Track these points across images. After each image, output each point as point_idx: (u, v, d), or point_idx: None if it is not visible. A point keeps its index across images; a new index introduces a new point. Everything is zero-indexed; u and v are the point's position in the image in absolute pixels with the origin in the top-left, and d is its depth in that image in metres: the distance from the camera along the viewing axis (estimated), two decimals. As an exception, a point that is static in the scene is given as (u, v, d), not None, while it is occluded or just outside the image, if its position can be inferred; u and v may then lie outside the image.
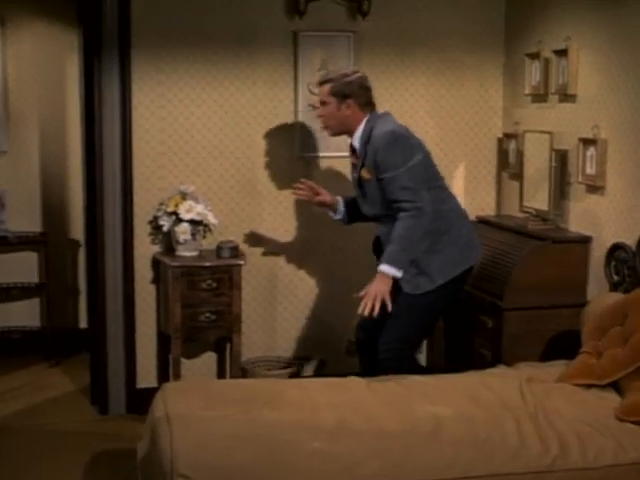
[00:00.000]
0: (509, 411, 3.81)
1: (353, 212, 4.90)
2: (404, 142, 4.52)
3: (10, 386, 6.11)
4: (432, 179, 4.60)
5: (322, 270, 5.73)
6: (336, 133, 4.76)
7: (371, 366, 4.75)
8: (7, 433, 5.27)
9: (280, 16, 5.51)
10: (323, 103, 4.66)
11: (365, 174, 4.60)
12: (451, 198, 4.75)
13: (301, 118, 5.59)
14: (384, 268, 4.42)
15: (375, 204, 4.64)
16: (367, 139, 4.58)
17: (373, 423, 3.69)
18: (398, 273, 4.43)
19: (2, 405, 5.73)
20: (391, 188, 4.45)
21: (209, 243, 5.45)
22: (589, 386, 4.11)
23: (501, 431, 3.63)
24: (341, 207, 4.92)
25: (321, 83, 4.68)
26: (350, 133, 4.69)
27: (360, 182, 4.67)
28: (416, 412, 3.80)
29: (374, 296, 4.37)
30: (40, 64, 6.81)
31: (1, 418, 5.51)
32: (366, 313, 4.38)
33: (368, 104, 4.66)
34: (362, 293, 4.41)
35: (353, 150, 4.72)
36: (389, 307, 4.39)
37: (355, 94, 4.61)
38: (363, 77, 4.69)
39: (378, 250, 4.71)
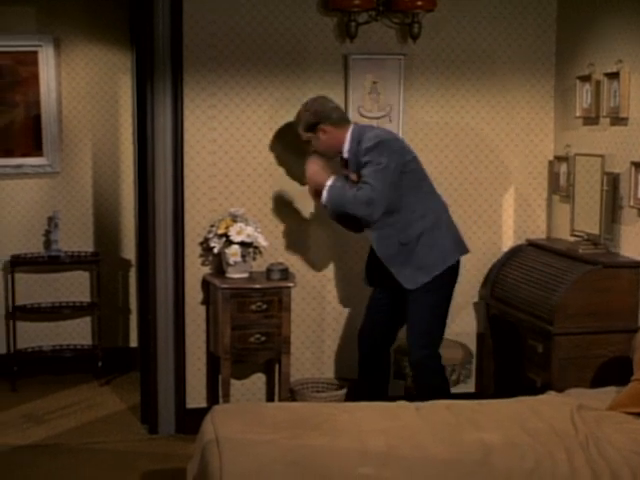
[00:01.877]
0: (559, 439, 3.78)
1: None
2: (385, 145, 4.82)
3: (61, 404, 6.18)
4: (418, 180, 4.93)
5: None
6: (332, 156, 5.07)
7: (376, 378, 5.23)
8: (58, 451, 5.33)
9: (331, 39, 5.54)
10: (308, 142, 5.08)
11: (353, 178, 4.91)
12: (438, 196, 5.05)
13: (351, 141, 5.59)
14: (329, 184, 4.87)
15: None
16: (356, 148, 4.89)
17: (422, 450, 3.68)
18: (323, 200, 4.90)
19: (53, 423, 5.80)
20: (364, 172, 4.79)
21: (259, 265, 5.47)
22: (641, 415, 4.07)
23: (551, 460, 3.60)
24: None
25: (298, 130, 5.10)
26: (340, 150, 4.99)
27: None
28: (465, 439, 3.78)
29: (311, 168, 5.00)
30: (93, 86, 6.90)
31: (52, 436, 5.57)
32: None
33: (341, 119, 5.03)
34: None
35: (345, 163, 5.03)
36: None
37: (322, 118, 4.98)
38: (319, 99, 5.10)
39: (372, 257, 5.06)
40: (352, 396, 5.39)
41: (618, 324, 4.92)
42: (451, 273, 4.98)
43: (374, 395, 4.97)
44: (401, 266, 4.92)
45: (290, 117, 5.52)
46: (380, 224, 4.89)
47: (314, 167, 4.99)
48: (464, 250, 5.09)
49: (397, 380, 5.43)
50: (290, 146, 5.55)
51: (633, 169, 4.96)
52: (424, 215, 4.90)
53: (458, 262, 5.03)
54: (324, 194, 4.89)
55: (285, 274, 5.37)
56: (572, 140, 5.62)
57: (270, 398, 5.73)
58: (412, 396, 4.93)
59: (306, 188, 5.47)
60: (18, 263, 6.66)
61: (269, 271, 5.36)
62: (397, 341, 5.34)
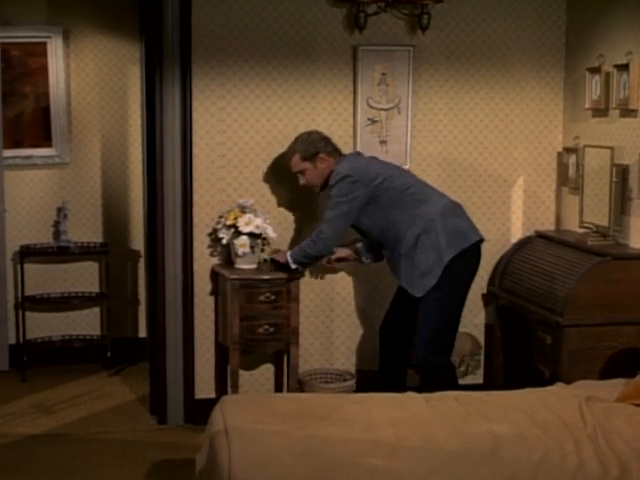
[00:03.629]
0: (568, 431, 3.78)
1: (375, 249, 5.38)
2: (345, 181, 5.03)
3: (70, 394, 6.20)
4: (397, 194, 5.03)
5: (379, 283, 5.74)
6: (320, 188, 5.25)
7: (395, 371, 5.35)
8: (67, 441, 5.35)
9: (340, 30, 5.54)
10: (302, 172, 5.20)
11: None
12: (429, 200, 5.05)
13: (360, 132, 5.60)
14: (288, 255, 5.25)
15: (361, 227, 5.17)
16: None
17: (431, 440, 3.69)
18: (293, 265, 5.24)
19: (62, 413, 5.82)
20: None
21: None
22: (650, 406, 4.06)
23: (560, 452, 3.61)
24: (364, 251, 5.40)
25: (290, 157, 5.23)
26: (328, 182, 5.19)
27: None
28: (474, 430, 3.78)
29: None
30: (102, 77, 6.91)
31: (61, 426, 5.59)
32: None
33: (334, 150, 5.21)
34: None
35: None
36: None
37: (320, 147, 5.15)
38: (317, 131, 5.29)
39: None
40: (362, 387, 5.40)
41: (627, 316, 4.92)
42: (457, 270, 4.95)
43: (393, 386, 4.98)
44: (408, 276, 4.99)
45: (299, 109, 5.54)
46: (376, 240, 5.15)
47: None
48: (467, 241, 5.00)
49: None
50: (299, 137, 5.56)
51: (642, 161, 4.96)
52: (412, 223, 4.96)
53: (458, 254, 4.96)
54: (289, 261, 5.22)
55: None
56: (581, 132, 5.61)
57: (279, 389, 5.75)
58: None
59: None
60: (27, 254, 6.68)
61: (274, 261, 5.36)
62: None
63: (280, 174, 5.57)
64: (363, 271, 5.68)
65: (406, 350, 5.31)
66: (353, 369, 5.80)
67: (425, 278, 4.94)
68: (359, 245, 5.38)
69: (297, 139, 5.24)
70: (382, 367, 5.36)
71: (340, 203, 5.03)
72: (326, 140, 5.21)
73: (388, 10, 5.52)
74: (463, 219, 5.08)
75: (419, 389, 4.56)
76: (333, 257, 5.39)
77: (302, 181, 5.23)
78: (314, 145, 5.15)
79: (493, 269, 5.85)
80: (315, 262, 5.33)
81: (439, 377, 4.99)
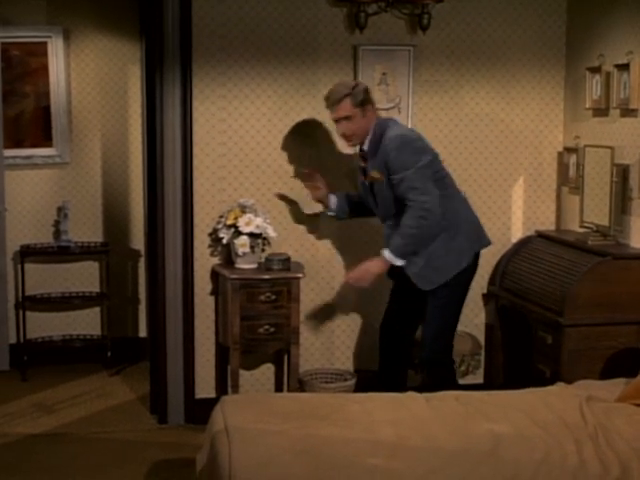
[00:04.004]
0: (569, 431, 3.78)
1: (354, 208, 5.25)
2: (412, 145, 4.78)
3: (71, 394, 6.20)
4: (439, 179, 4.83)
5: (379, 283, 5.72)
6: (359, 142, 4.95)
7: (396, 371, 5.23)
8: (67, 440, 5.35)
9: (341, 30, 5.54)
10: (347, 118, 4.85)
11: (376, 175, 4.84)
12: (457, 195, 4.97)
13: (360, 132, 5.59)
14: (387, 255, 4.78)
15: (387, 204, 4.88)
16: (378, 142, 4.82)
17: (432, 440, 3.69)
18: (399, 262, 4.80)
19: (63, 413, 5.82)
20: (401, 188, 4.72)
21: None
22: (650, 406, 4.06)
23: (560, 451, 3.61)
24: (332, 205, 5.26)
25: (339, 101, 4.84)
26: (364, 139, 4.92)
27: (371, 184, 4.90)
28: (474, 430, 3.78)
29: (364, 270, 4.83)
30: (103, 77, 6.92)
31: (62, 426, 5.59)
32: (350, 281, 4.92)
33: (375, 109, 4.97)
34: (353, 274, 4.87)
35: (363, 155, 4.95)
36: (365, 284, 4.88)
37: (369, 99, 4.89)
38: (364, 84, 5.00)
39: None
40: (362, 386, 5.40)
41: (628, 316, 4.92)
42: (467, 271, 4.93)
43: (393, 386, 4.93)
44: (417, 267, 4.85)
45: (300, 108, 5.53)
46: (396, 222, 4.82)
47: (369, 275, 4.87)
48: (481, 245, 5.02)
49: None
50: (300, 136, 5.56)
51: (643, 160, 4.97)
52: (443, 215, 4.75)
53: (477, 257, 4.97)
54: (399, 262, 4.79)
55: (287, 264, 5.37)
56: (582, 131, 5.61)
57: (279, 389, 5.75)
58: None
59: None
60: (28, 253, 6.68)
61: (268, 261, 5.36)
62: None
63: (280, 174, 5.57)
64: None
65: (407, 349, 5.28)
66: (353, 369, 5.80)
67: (437, 274, 4.83)
68: (331, 195, 5.27)
69: (340, 85, 4.91)
70: (382, 367, 5.31)
71: (420, 169, 4.69)
72: (371, 96, 4.94)
73: (388, 10, 5.53)
74: (477, 220, 5.05)
75: (422, 388, 4.55)
76: (316, 195, 5.31)
77: (342, 130, 4.88)
78: (365, 93, 4.86)
79: (493, 269, 5.85)
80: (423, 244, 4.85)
81: (444, 375, 5.00)
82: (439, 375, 4.99)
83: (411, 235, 4.71)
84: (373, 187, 4.91)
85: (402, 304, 5.17)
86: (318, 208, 5.49)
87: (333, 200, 5.28)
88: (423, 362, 5.09)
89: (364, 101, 4.85)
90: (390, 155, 4.73)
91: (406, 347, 5.27)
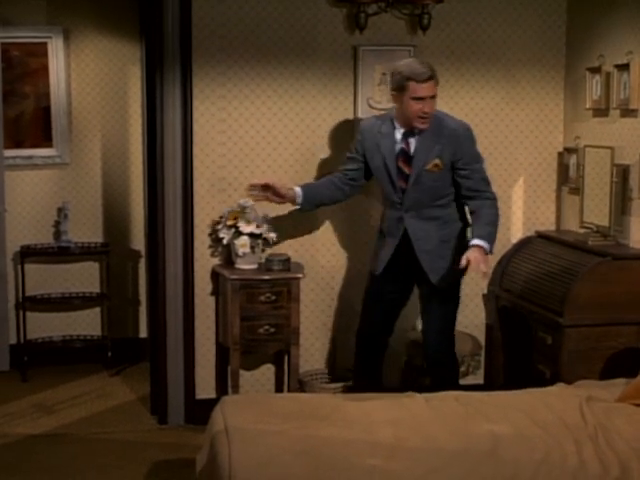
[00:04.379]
0: (569, 431, 3.78)
1: (315, 200, 5.12)
2: (473, 133, 4.90)
3: (71, 394, 6.20)
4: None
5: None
6: (429, 125, 4.79)
7: (373, 362, 5.16)
8: (67, 441, 5.35)
9: (340, 30, 5.54)
10: (433, 97, 4.74)
11: (439, 163, 4.77)
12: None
13: (360, 132, 5.60)
14: (480, 242, 4.67)
15: (429, 193, 4.82)
16: (436, 129, 4.75)
17: (431, 441, 3.69)
18: (489, 248, 4.71)
19: (63, 413, 5.82)
20: (475, 179, 4.80)
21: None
22: (650, 406, 4.06)
23: (560, 452, 3.61)
24: (299, 199, 5.08)
25: (431, 77, 4.69)
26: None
27: (418, 172, 4.78)
28: (474, 430, 3.78)
29: (480, 259, 4.59)
30: (103, 77, 6.92)
31: (62, 426, 5.59)
32: (484, 269, 4.62)
33: None
34: (463, 263, 4.59)
35: (405, 136, 4.82)
36: (486, 271, 4.70)
37: None
38: None
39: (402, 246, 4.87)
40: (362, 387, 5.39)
41: (628, 316, 4.91)
42: (466, 269, 4.84)
43: (373, 387, 4.91)
44: (434, 263, 4.83)
45: (299, 109, 5.53)
46: (422, 214, 4.83)
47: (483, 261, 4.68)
48: None
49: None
50: (300, 137, 5.56)
51: (643, 161, 4.97)
52: (462, 214, 4.88)
53: None
54: (489, 248, 4.73)
55: (287, 265, 5.37)
56: (582, 132, 5.61)
57: (279, 389, 5.75)
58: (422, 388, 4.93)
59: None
60: (28, 254, 6.68)
61: (268, 261, 5.36)
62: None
63: (280, 174, 5.57)
64: (363, 272, 5.67)
65: (384, 352, 5.22)
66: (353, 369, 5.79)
67: (449, 272, 4.81)
68: (297, 188, 5.10)
69: (426, 64, 4.74)
70: (362, 372, 5.22)
71: (481, 157, 4.89)
72: None
73: (388, 10, 5.52)
74: None
75: (428, 390, 4.54)
76: (273, 198, 5.12)
77: (428, 108, 4.69)
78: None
79: (493, 269, 5.84)
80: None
81: (448, 375, 4.99)
82: (444, 376, 4.98)
83: (494, 223, 4.79)
84: (421, 175, 4.79)
85: (390, 306, 5.08)
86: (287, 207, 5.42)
87: (299, 193, 5.09)
88: (430, 364, 5.06)
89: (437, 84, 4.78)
90: (464, 145, 4.78)
91: (384, 351, 5.23)
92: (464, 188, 4.81)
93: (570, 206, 5.75)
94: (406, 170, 4.82)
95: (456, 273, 4.79)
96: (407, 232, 4.86)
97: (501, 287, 5.68)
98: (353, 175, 5.04)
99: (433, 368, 5.06)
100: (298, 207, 5.15)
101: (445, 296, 4.92)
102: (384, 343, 5.19)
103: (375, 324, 5.12)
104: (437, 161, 4.77)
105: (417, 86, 4.65)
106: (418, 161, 4.79)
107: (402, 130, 4.82)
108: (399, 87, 4.70)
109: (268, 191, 5.11)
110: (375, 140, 4.89)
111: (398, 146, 4.84)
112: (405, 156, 4.83)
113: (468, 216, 4.90)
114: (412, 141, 4.81)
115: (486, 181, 4.84)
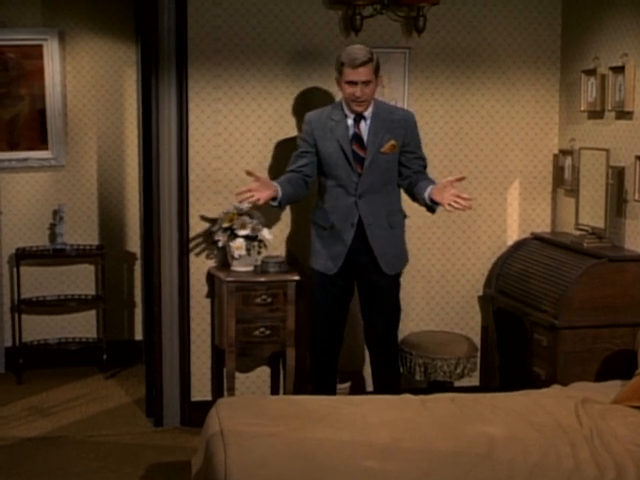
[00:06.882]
0: (564, 433, 3.79)
1: (291, 198, 5.01)
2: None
3: (66, 397, 6.20)
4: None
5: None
6: (365, 109, 4.90)
7: (333, 364, 5.19)
8: (63, 444, 5.34)
9: (336, 33, 5.55)
10: (366, 83, 4.82)
11: (395, 144, 4.90)
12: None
13: (356, 134, 5.60)
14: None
15: (384, 176, 4.94)
16: (387, 113, 4.94)
17: (426, 443, 3.69)
18: None
19: (58, 416, 5.81)
20: (420, 164, 5.00)
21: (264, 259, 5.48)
22: (645, 408, 4.07)
23: (556, 454, 3.61)
24: (279, 195, 4.89)
25: (364, 64, 4.78)
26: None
27: (373, 155, 4.88)
28: (470, 432, 3.78)
29: (455, 193, 4.64)
30: (98, 79, 6.91)
31: (57, 429, 5.59)
32: (466, 196, 4.67)
33: None
34: (450, 198, 4.64)
35: (358, 126, 4.91)
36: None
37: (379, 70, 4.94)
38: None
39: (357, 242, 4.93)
40: (358, 389, 5.40)
41: (623, 318, 4.92)
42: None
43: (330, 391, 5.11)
44: (385, 250, 4.95)
45: (295, 111, 5.53)
46: (374, 200, 4.92)
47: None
48: None
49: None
50: (295, 139, 5.55)
51: (638, 163, 4.96)
52: (400, 201, 5.07)
53: None
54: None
55: (283, 267, 5.37)
56: (577, 134, 5.62)
57: (275, 391, 5.75)
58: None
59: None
60: (23, 256, 6.68)
61: (264, 264, 5.37)
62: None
63: (276, 176, 5.56)
64: (359, 273, 5.68)
65: (340, 347, 5.22)
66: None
67: (397, 260, 5.03)
68: (276, 184, 4.91)
69: (361, 49, 4.82)
70: (321, 378, 5.18)
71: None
72: None
73: (384, 12, 5.53)
74: None
75: (393, 376, 4.88)
76: (262, 199, 4.86)
77: (359, 93, 4.78)
78: (378, 64, 4.89)
79: (489, 271, 5.85)
80: None
81: (397, 362, 5.24)
82: (391, 357, 5.14)
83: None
84: (376, 158, 4.88)
85: (341, 303, 5.09)
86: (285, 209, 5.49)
87: (279, 190, 4.89)
88: (387, 350, 5.12)
89: (377, 71, 4.87)
90: (414, 130, 5.00)
91: (340, 347, 5.23)
92: (411, 171, 4.95)
93: (565, 208, 5.76)
94: (361, 153, 4.90)
95: (403, 261, 5.08)
96: (361, 220, 4.90)
97: (496, 289, 5.69)
98: (307, 171, 5.01)
99: (391, 354, 5.15)
100: (275, 204, 4.94)
101: (394, 286, 5.05)
102: (341, 339, 5.18)
103: (332, 324, 5.10)
104: (393, 142, 4.90)
105: (350, 71, 4.79)
106: (372, 144, 4.90)
107: (352, 116, 4.91)
108: (338, 71, 4.88)
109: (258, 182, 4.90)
110: (327, 126, 4.94)
111: (351, 131, 4.92)
112: (359, 141, 4.92)
113: (401, 207, 5.07)
114: (363, 126, 4.92)
115: (426, 167, 5.04)
